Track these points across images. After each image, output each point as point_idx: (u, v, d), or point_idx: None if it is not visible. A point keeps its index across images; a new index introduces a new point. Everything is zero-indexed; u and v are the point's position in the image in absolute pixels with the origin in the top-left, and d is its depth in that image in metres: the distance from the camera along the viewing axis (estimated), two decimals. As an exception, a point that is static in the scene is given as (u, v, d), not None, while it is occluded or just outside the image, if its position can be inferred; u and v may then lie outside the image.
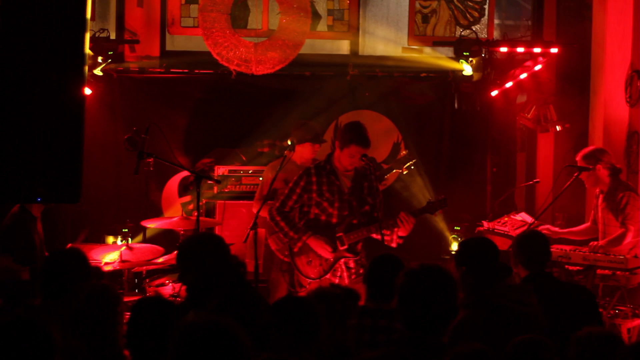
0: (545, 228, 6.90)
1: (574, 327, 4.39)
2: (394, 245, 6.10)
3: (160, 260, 6.64)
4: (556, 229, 7.11)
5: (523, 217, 7.15)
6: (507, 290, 4.30)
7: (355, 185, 6.14)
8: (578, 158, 6.81)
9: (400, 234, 6.05)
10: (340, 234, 6.06)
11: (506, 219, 7.16)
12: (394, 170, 7.28)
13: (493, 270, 4.34)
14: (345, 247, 6.07)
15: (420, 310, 3.53)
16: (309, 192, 6.14)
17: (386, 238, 6.11)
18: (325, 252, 6.05)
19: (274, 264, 6.93)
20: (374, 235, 6.12)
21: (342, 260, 6.12)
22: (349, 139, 6.01)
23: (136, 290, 6.68)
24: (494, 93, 8.29)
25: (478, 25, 8.61)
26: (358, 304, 4.35)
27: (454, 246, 7.89)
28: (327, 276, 6.09)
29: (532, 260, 4.84)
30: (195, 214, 5.99)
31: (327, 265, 6.07)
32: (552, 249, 6.49)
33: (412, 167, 7.27)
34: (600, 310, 6.16)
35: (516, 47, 8.06)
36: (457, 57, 8.26)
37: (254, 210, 6.71)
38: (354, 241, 6.07)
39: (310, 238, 6.07)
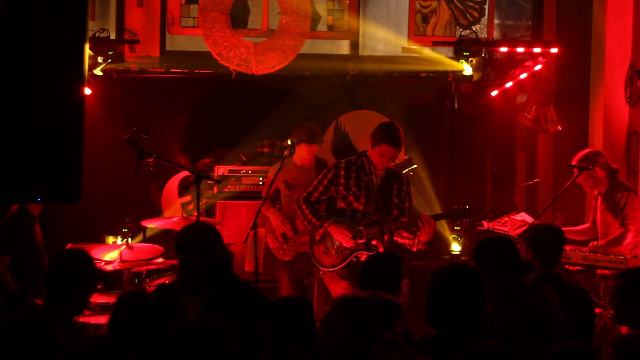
0: None
1: (577, 331, 4.47)
2: (414, 249, 6.14)
3: (160, 260, 6.65)
4: None
5: (523, 217, 7.14)
6: (531, 287, 4.32)
7: (384, 184, 6.16)
8: (574, 162, 6.80)
9: (422, 238, 6.06)
10: (361, 227, 6.09)
11: (506, 219, 7.16)
12: None
13: (515, 269, 4.36)
14: (364, 240, 6.08)
15: (448, 309, 3.52)
16: (336, 184, 6.20)
17: (408, 242, 6.17)
18: (345, 238, 6.07)
19: (276, 262, 6.99)
20: (399, 240, 6.15)
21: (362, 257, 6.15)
22: (381, 137, 6.08)
23: (136, 290, 6.68)
24: (494, 93, 8.29)
25: (478, 25, 8.61)
26: (398, 317, 4.30)
27: (454, 246, 7.90)
28: (340, 267, 6.09)
29: (550, 260, 4.85)
30: (195, 213, 6.00)
31: (342, 257, 6.10)
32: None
33: (411, 174, 7.31)
34: (600, 310, 6.19)
35: (516, 47, 8.06)
36: (457, 57, 8.26)
37: (264, 211, 6.80)
38: (372, 237, 6.09)
39: (331, 225, 6.11)
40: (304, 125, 7.21)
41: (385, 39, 8.67)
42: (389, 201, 6.17)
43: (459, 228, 7.92)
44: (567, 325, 4.46)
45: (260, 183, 7.53)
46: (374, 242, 6.13)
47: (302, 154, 7.08)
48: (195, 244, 4.31)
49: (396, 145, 6.07)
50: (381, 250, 6.11)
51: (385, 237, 6.05)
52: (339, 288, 6.05)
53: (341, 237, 6.08)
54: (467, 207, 6.21)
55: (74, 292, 4.11)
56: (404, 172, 7.18)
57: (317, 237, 6.22)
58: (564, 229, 7.09)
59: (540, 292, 4.34)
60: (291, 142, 7.07)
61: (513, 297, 4.19)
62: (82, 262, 4.22)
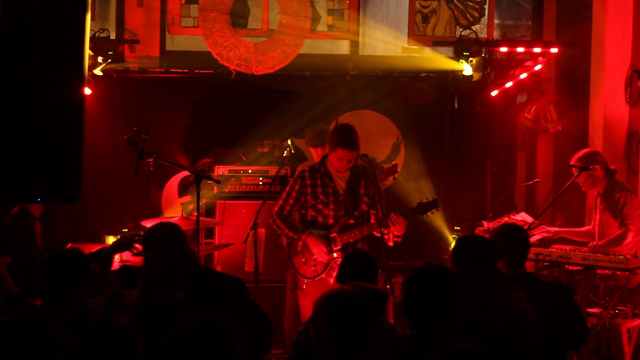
0: (545, 230, 6.90)
1: (559, 325, 4.48)
2: (390, 244, 6.13)
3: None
4: (555, 228, 7.12)
5: (523, 217, 7.14)
6: (497, 288, 4.32)
7: (350, 186, 6.17)
8: (573, 161, 6.80)
9: (396, 232, 6.08)
10: (334, 234, 6.11)
11: (506, 219, 7.16)
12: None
13: (488, 270, 4.36)
14: (339, 247, 6.10)
15: (425, 307, 3.57)
16: (304, 194, 6.21)
17: (385, 237, 6.14)
18: (321, 253, 6.09)
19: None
20: (376, 233, 6.15)
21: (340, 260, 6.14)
22: (336, 142, 6.05)
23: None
24: (494, 93, 8.29)
25: (478, 25, 8.61)
26: (386, 304, 4.30)
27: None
28: (323, 276, 6.11)
29: (516, 261, 4.83)
30: (195, 214, 5.99)
31: (322, 266, 6.12)
32: (552, 249, 6.53)
33: (394, 179, 7.38)
34: (600, 310, 6.19)
35: (516, 47, 8.06)
36: (457, 57, 8.26)
37: None
38: (347, 242, 6.11)
39: (309, 237, 6.13)
40: (310, 129, 7.24)
41: (385, 39, 8.67)
42: (358, 200, 6.18)
43: (459, 228, 7.92)
44: (548, 322, 4.48)
45: (260, 183, 7.53)
46: (359, 246, 6.15)
47: (312, 156, 7.12)
48: (169, 241, 4.47)
49: (351, 148, 6.01)
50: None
51: (360, 236, 6.12)
52: None
53: (316, 251, 6.11)
54: (435, 198, 6.24)
55: (70, 292, 4.11)
56: (389, 177, 7.23)
57: (299, 249, 6.21)
58: (566, 228, 7.14)
59: (506, 292, 4.34)
60: (291, 142, 7.07)
61: (478, 298, 4.19)
62: (77, 261, 4.23)
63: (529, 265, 6.48)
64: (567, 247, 6.63)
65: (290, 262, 6.26)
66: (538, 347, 4.32)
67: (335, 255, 6.11)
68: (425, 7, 8.67)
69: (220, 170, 7.52)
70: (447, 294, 3.62)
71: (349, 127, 6.16)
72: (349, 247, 6.13)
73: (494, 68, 8.31)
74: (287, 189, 6.31)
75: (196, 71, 8.21)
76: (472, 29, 8.35)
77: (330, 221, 6.17)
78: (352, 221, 6.15)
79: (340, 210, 6.17)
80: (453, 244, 4.62)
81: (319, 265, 6.13)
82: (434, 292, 3.60)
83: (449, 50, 8.47)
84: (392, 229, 6.06)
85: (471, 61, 8.21)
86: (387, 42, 8.68)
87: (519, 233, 5.00)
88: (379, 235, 6.04)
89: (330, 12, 8.56)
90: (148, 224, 6.89)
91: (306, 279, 6.16)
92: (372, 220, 6.15)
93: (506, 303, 4.26)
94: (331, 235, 6.13)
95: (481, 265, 4.35)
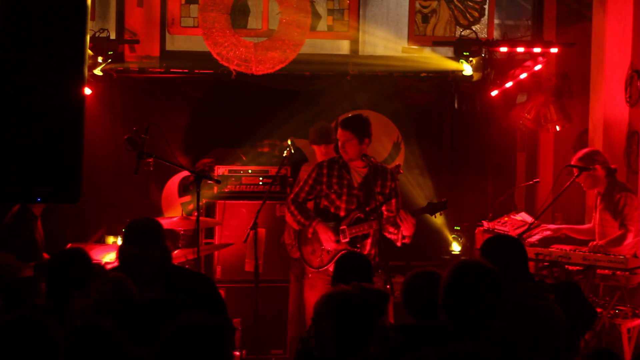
0: (546, 228, 6.90)
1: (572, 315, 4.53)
2: (399, 244, 6.17)
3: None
4: (556, 226, 7.12)
5: (523, 217, 7.15)
6: (525, 287, 4.33)
7: (366, 180, 6.20)
8: (573, 161, 6.80)
9: (405, 233, 6.10)
10: (344, 226, 6.14)
11: (506, 219, 7.17)
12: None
13: (517, 269, 4.37)
14: (347, 240, 6.12)
15: (466, 305, 3.56)
16: (320, 184, 6.28)
17: (394, 237, 6.18)
18: (329, 241, 6.12)
19: (290, 260, 6.98)
20: (387, 235, 6.17)
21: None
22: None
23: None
24: (494, 93, 8.29)
25: (478, 25, 8.61)
26: (387, 305, 4.29)
27: (454, 246, 7.90)
28: (329, 267, 6.11)
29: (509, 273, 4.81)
30: (196, 214, 6.00)
31: (328, 258, 6.14)
32: (552, 249, 6.54)
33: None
34: (600, 310, 6.19)
35: (516, 47, 8.06)
36: (457, 57, 8.26)
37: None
38: (355, 235, 6.13)
39: (318, 224, 6.18)
40: (314, 127, 7.26)
41: (385, 39, 8.67)
42: (372, 197, 6.20)
43: (459, 228, 7.92)
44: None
45: (260, 183, 7.53)
46: (369, 243, 6.15)
47: (318, 155, 7.14)
48: (155, 237, 4.48)
49: (341, 127, 6.25)
50: (367, 248, 6.18)
51: (371, 232, 6.12)
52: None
53: (324, 238, 6.14)
54: (445, 200, 6.28)
55: (73, 292, 4.11)
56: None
57: (310, 236, 6.25)
58: (567, 226, 7.13)
59: (534, 291, 4.35)
60: (291, 142, 7.08)
61: (507, 297, 4.19)
62: (80, 262, 4.24)
63: (530, 265, 6.49)
64: (567, 247, 6.63)
65: (299, 250, 6.32)
66: (563, 345, 4.33)
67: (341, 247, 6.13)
68: (425, 7, 8.66)
69: (220, 170, 7.52)
70: (489, 291, 3.59)
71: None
72: (358, 241, 6.16)
73: (494, 68, 8.31)
74: (305, 177, 6.40)
75: (196, 71, 8.22)
76: (472, 29, 8.35)
77: (342, 213, 6.22)
78: (362, 215, 6.17)
79: (352, 203, 6.20)
80: (482, 244, 4.58)
81: (325, 256, 6.16)
82: (482, 293, 3.56)
83: (449, 50, 8.47)
84: (401, 228, 6.08)
85: (471, 61, 8.21)
86: (387, 42, 8.68)
87: (518, 246, 4.99)
88: (388, 235, 6.10)
89: (330, 12, 8.56)
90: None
91: (312, 268, 6.20)
92: (384, 216, 6.18)
93: (534, 301, 4.27)
94: (340, 228, 6.16)
95: (511, 265, 4.35)
